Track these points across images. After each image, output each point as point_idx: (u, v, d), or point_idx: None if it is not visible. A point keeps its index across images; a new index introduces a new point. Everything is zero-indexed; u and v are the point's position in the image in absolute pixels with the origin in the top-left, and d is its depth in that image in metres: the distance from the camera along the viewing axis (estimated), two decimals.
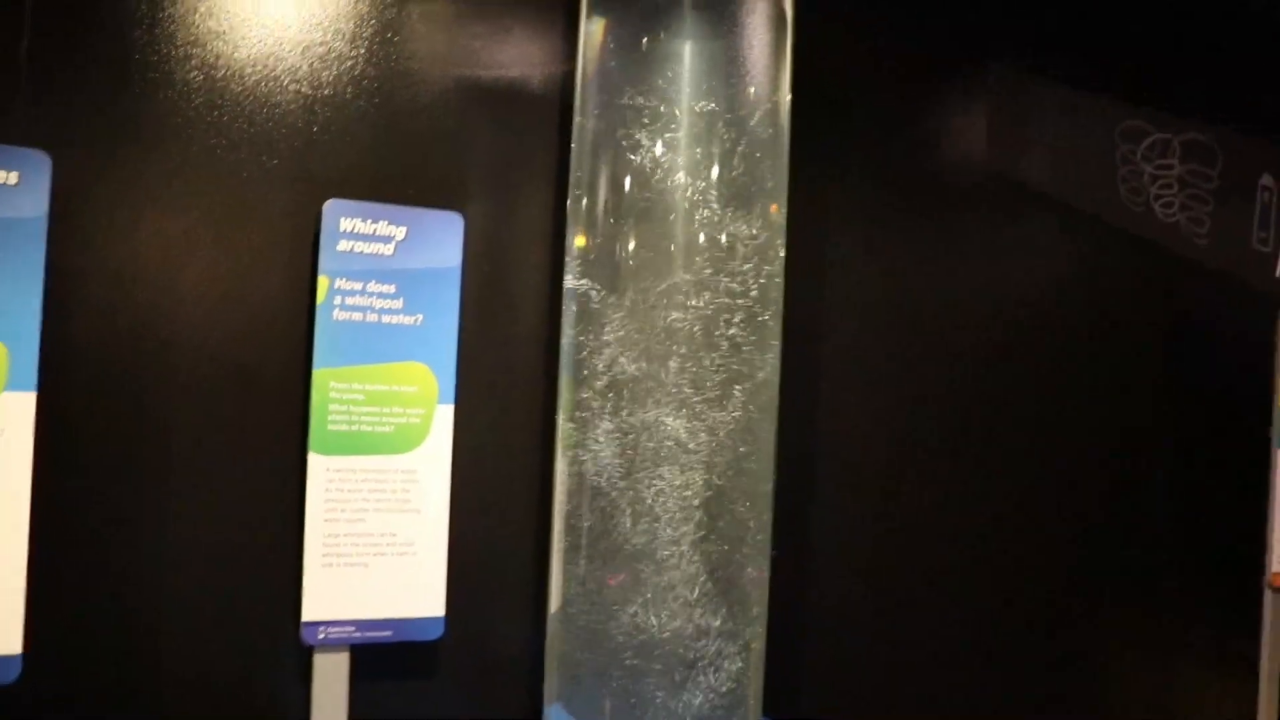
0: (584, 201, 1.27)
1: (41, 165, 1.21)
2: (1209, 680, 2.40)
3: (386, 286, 1.40)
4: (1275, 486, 2.26)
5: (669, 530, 1.20)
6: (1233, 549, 2.38)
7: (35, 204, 1.21)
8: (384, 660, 1.48)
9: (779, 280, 1.30)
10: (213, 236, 1.40)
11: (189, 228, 1.39)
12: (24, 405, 1.20)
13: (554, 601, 1.28)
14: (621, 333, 1.21)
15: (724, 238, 1.22)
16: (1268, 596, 2.28)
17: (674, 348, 1.20)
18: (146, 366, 1.37)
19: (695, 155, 1.22)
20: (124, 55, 1.36)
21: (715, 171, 1.22)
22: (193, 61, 1.39)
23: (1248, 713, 2.35)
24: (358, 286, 1.38)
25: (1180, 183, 2.25)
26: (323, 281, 1.37)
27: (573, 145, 1.31)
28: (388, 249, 1.40)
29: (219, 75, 1.41)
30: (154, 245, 1.37)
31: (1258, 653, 2.32)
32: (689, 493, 1.21)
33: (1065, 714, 2.19)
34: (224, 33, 1.41)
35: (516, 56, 1.59)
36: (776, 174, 1.28)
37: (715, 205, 1.22)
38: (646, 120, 1.22)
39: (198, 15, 1.39)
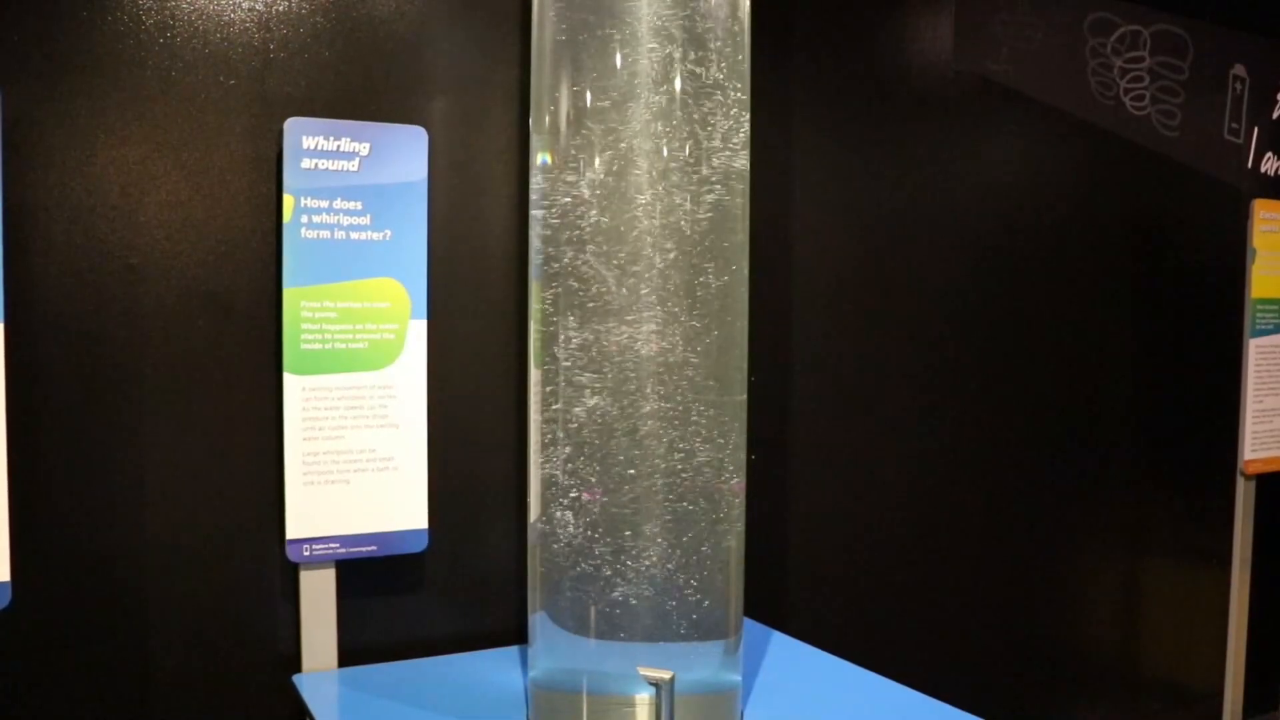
0: (546, 110, 1.26)
1: None
2: (1182, 570, 2.46)
3: (353, 203, 1.39)
4: (1247, 376, 2.29)
5: (642, 435, 1.21)
6: (1207, 438, 2.42)
7: None
8: (370, 576, 1.50)
9: (745, 186, 1.29)
10: (173, 162, 1.38)
11: (148, 154, 1.37)
12: None
13: (533, 511, 1.29)
14: (588, 239, 1.20)
15: (688, 148, 1.21)
16: (1240, 483, 2.33)
17: (643, 253, 1.20)
18: (115, 297, 1.35)
19: (657, 61, 1.20)
20: None
21: (678, 81, 1.21)
22: None
23: (1220, 601, 2.41)
24: (324, 204, 1.37)
25: (1151, 75, 2.24)
26: (288, 200, 1.36)
27: (532, 53, 1.29)
28: (352, 165, 1.39)
29: None
30: (113, 174, 1.35)
31: (1230, 541, 2.37)
32: (663, 399, 1.21)
33: (1038, 609, 2.24)
34: None
35: None
36: (739, 78, 1.27)
37: (679, 112, 1.20)
38: (604, 27, 1.20)
39: None
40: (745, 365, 1.30)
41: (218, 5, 1.40)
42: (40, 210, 1.31)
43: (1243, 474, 2.31)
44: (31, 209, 1.31)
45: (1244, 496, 2.33)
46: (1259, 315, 2.29)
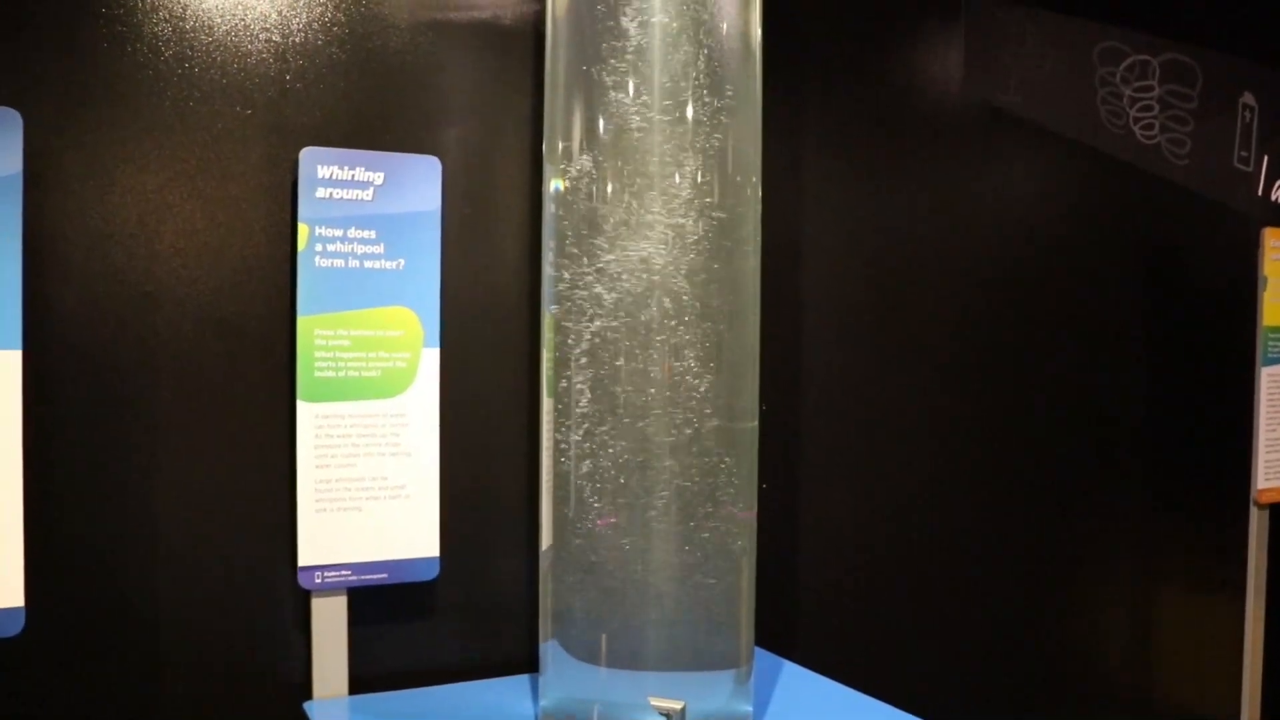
0: (559, 138, 1.27)
1: (12, 122, 1.20)
2: (1195, 599, 2.44)
3: (367, 232, 1.40)
4: (1259, 405, 2.29)
5: (654, 464, 1.21)
6: (1219, 467, 2.41)
7: (8, 162, 1.20)
8: (381, 603, 1.50)
9: (757, 213, 1.30)
10: (190, 191, 1.40)
11: (165, 183, 1.38)
12: (10, 363, 1.20)
13: (545, 539, 1.29)
14: (601, 268, 1.21)
15: (700, 174, 1.22)
16: (1254, 513, 2.32)
17: (655, 281, 1.21)
18: (130, 324, 1.37)
19: (670, 89, 1.21)
20: (90, 8, 1.34)
21: (690, 108, 1.22)
22: (160, 13, 1.38)
23: (1234, 630, 2.40)
24: (338, 233, 1.38)
25: (1160, 104, 2.25)
26: (303, 229, 1.37)
27: (546, 82, 1.30)
28: (366, 195, 1.40)
29: (187, 26, 1.39)
30: (131, 203, 1.37)
31: (1244, 570, 2.36)
32: (675, 429, 1.22)
33: (1051, 637, 2.23)
34: None
35: None
36: (751, 106, 1.28)
37: (691, 139, 1.22)
38: (617, 54, 1.21)
39: None
40: (757, 393, 1.31)
41: (235, 37, 1.42)
42: (60, 239, 1.33)
43: (1255, 503, 2.30)
44: (51, 237, 1.32)
45: (1257, 526, 2.32)
46: (1270, 344, 2.29)
